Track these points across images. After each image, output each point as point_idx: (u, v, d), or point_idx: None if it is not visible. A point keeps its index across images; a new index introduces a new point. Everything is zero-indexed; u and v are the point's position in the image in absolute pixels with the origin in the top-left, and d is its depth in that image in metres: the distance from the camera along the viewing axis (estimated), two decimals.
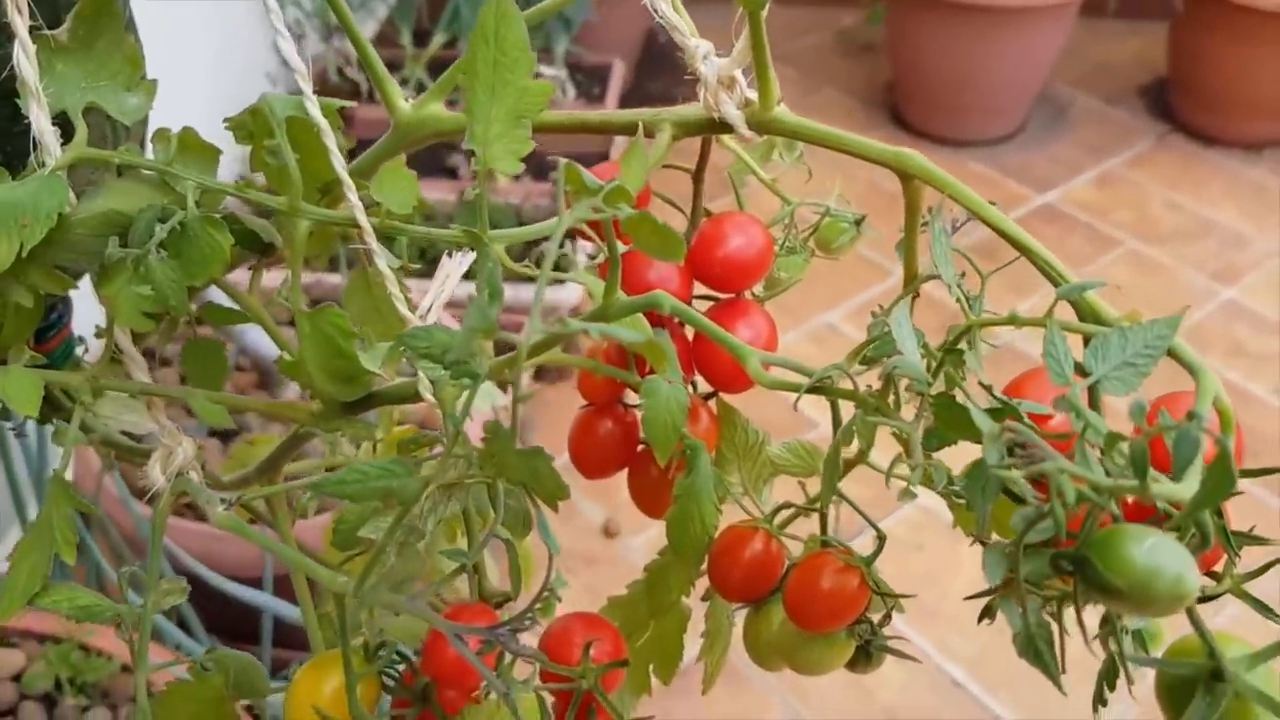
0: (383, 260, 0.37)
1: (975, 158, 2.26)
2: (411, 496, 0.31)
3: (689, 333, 0.47)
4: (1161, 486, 0.25)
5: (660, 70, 2.41)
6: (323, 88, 1.84)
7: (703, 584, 0.49)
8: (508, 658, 0.35)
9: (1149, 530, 0.25)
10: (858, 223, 0.53)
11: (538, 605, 0.32)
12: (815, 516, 0.47)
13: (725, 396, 0.49)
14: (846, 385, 0.38)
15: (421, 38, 2.13)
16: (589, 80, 2.16)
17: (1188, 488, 0.25)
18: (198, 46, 1.57)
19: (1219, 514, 0.35)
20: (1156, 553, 0.25)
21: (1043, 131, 2.40)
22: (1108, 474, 0.26)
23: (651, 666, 0.51)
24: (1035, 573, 0.27)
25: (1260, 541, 0.38)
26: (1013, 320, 0.32)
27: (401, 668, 0.39)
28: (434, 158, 1.94)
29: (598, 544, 1.57)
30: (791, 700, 1.37)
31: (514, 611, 0.35)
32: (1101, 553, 0.25)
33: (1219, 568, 0.40)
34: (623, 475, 0.47)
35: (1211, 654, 0.27)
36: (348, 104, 0.37)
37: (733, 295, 0.47)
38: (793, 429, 0.51)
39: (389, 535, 0.32)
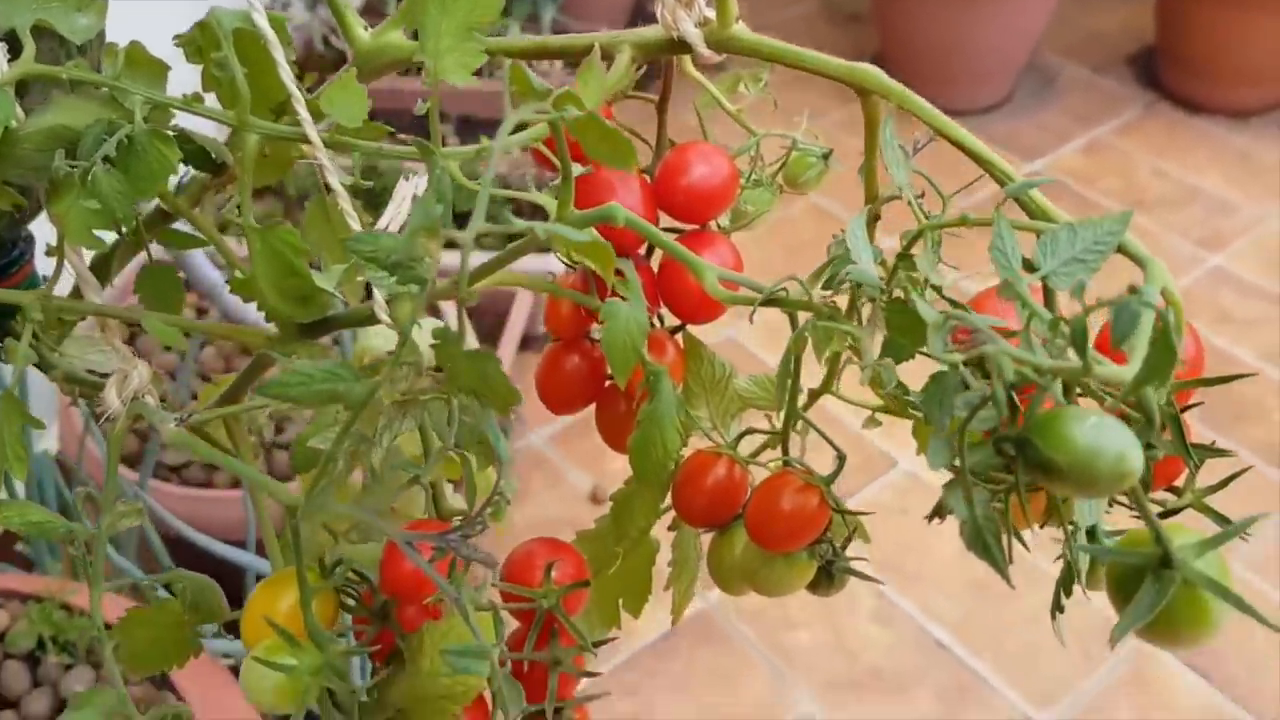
0: (334, 176, 0.37)
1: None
2: (358, 401, 0.30)
3: (655, 267, 0.46)
4: (1104, 368, 0.25)
5: None
6: (308, 56, 1.83)
7: (671, 520, 0.49)
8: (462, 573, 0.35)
9: (1091, 410, 0.25)
10: (825, 157, 0.53)
11: (488, 510, 0.32)
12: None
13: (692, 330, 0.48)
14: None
15: None
16: None
17: (1130, 368, 0.25)
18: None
19: (1176, 419, 0.35)
20: (1099, 431, 0.24)
21: (1030, 100, 2.39)
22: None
23: (621, 601, 0.51)
24: (981, 463, 0.27)
25: (1221, 453, 0.38)
26: (963, 221, 0.32)
27: (361, 588, 0.39)
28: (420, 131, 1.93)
29: (585, 510, 1.57)
30: (776, 661, 1.37)
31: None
32: (1043, 433, 0.25)
33: (1180, 482, 0.40)
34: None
35: (1159, 540, 0.27)
36: (290, 17, 0.36)
37: (698, 227, 0.46)
38: None
39: (338, 443, 0.31)
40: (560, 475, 1.59)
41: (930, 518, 0.31)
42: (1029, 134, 2.29)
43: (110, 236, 0.38)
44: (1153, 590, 0.27)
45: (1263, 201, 2.12)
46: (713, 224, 0.47)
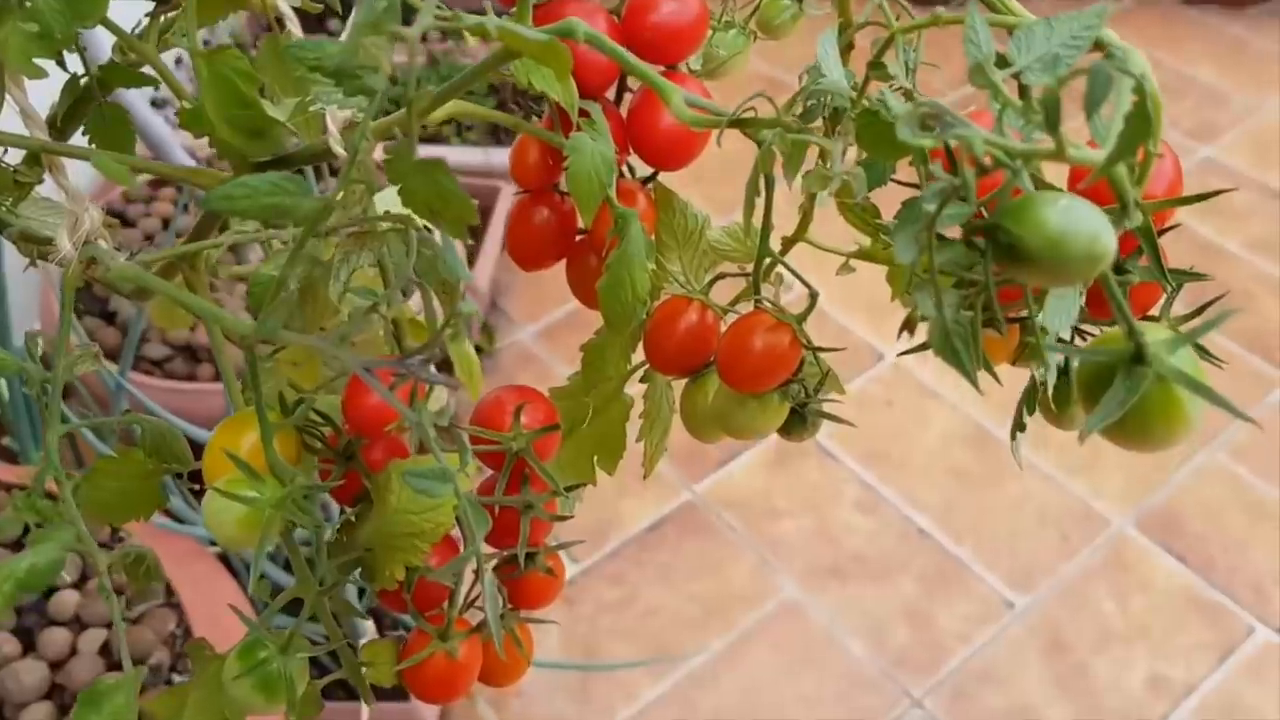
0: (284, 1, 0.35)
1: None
2: (308, 216, 0.29)
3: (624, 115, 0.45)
4: (1078, 151, 0.24)
5: None
6: None
7: (643, 373, 0.48)
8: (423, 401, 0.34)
9: (1063, 194, 0.24)
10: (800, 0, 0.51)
11: (448, 330, 0.31)
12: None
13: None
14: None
15: None
16: None
17: (1104, 150, 0.24)
18: None
19: (1153, 240, 0.34)
20: (1070, 213, 0.23)
21: None
22: None
23: (596, 458, 0.50)
24: (950, 259, 0.26)
25: (1198, 277, 0.37)
26: (935, 21, 0.30)
27: (326, 431, 0.38)
28: None
29: None
30: (761, 550, 1.39)
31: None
32: (1014, 217, 0.24)
33: (1156, 310, 0.39)
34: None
35: (1132, 335, 0.26)
36: None
37: (668, 68, 0.45)
38: None
39: (290, 265, 0.30)
40: (548, 371, 1.59)
41: (901, 332, 0.30)
42: None
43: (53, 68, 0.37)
44: (1125, 386, 0.26)
45: (1256, 92, 2.09)
46: (683, 66, 0.46)
